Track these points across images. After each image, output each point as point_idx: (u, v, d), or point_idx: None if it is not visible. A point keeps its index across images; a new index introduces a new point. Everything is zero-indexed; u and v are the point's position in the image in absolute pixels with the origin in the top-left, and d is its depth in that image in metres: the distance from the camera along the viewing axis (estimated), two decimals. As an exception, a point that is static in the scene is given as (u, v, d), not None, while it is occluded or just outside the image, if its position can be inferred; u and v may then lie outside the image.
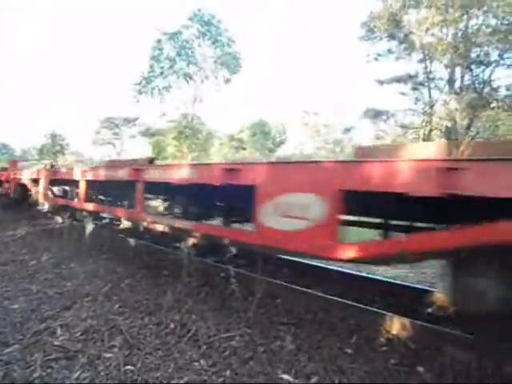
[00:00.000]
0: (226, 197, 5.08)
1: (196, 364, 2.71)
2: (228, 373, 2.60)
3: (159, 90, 30.62)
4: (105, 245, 6.14)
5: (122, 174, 5.24)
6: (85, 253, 5.78)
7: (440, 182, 2.34)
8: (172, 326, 3.28)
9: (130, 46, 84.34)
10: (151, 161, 5.05)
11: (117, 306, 3.75)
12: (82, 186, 6.45)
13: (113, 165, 6.00)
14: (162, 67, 30.43)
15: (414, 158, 2.52)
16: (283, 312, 3.63)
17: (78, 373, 2.56)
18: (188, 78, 30.85)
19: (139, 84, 30.60)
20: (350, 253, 2.75)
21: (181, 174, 4.23)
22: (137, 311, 3.62)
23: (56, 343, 2.96)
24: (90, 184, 6.47)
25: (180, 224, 4.42)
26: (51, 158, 36.94)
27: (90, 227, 6.72)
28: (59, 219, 8.56)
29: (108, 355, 2.80)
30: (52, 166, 8.76)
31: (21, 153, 57.18)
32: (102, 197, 7.65)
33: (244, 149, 43.88)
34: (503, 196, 2.12)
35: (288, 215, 3.07)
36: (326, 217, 2.84)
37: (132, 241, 6.20)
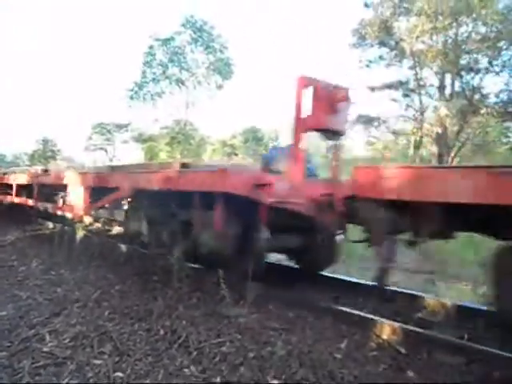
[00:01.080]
0: None
1: (186, 370, 2.69)
2: (218, 379, 2.59)
3: (152, 95, 30.68)
4: (95, 251, 6.11)
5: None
6: (75, 259, 5.74)
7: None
8: (162, 332, 3.26)
9: (123, 51, 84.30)
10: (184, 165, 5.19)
11: (107, 312, 3.72)
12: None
13: None
14: (154, 73, 30.50)
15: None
16: (274, 317, 3.63)
17: (67, 380, 2.53)
18: (180, 84, 30.92)
19: (131, 90, 30.61)
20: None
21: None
22: (127, 317, 3.59)
23: (45, 349, 2.93)
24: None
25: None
26: (42, 163, 36.72)
27: (80, 233, 6.68)
28: (50, 224, 8.50)
29: (97, 362, 2.78)
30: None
31: (12, 158, 56.74)
32: None
33: (236, 154, 43.94)
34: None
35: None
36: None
37: (123, 246, 6.17)
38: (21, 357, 2.82)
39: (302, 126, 3.98)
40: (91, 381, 2.54)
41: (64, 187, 7.57)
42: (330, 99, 4.04)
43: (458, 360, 2.83)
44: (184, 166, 5.12)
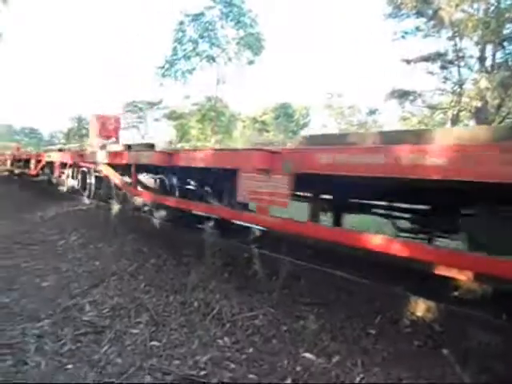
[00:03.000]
0: None
1: (220, 341, 2.75)
2: (251, 350, 2.63)
3: (182, 72, 30.70)
4: (131, 225, 6.26)
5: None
6: (111, 233, 5.91)
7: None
8: (196, 304, 3.33)
9: (153, 28, 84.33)
10: None
11: (143, 284, 3.83)
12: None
13: None
14: (185, 50, 30.41)
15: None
16: (306, 293, 3.64)
17: (106, 347, 2.64)
18: (211, 60, 30.73)
19: (163, 67, 30.70)
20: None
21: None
22: (162, 290, 3.69)
23: (85, 318, 3.06)
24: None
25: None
26: (77, 141, 37.64)
27: (115, 208, 6.85)
28: (86, 200, 8.76)
29: (135, 331, 2.88)
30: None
31: (48, 137, 58.48)
32: None
33: (267, 131, 43.69)
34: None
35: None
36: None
37: (157, 221, 6.30)
38: (62, 325, 2.95)
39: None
40: (129, 348, 2.64)
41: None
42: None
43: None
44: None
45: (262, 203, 3.40)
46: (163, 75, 30.58)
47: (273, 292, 3.56)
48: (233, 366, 2.47)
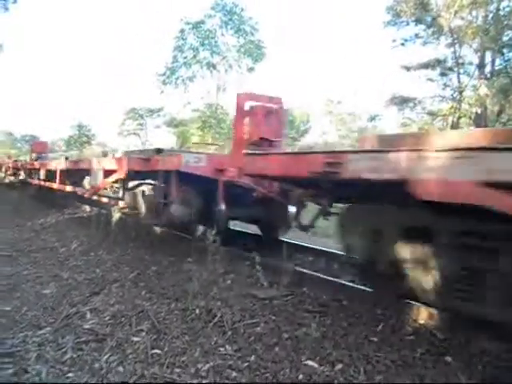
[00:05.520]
0: None
1: (221, 349, 2.74)
2: (253, 358, 2.62)
3: (183, 80, 30.77)
4: (131, 233, 6.25)
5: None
6: (112, 240, 5.90)
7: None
8: (198, 311, 3.31)
9: (154, 36, 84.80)
10: None
11: (144, 292, 3.82)
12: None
13: None
14: (185, 57, 30.52)
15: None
16: (308, 300, 3.62)
17: (108, 355, 2.63)
18: (212, 68, 30.84)
19: (163, 74, 30.79)
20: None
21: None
22: (163, 297, 3.68)
23: (86, 326, 3.05)
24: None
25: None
26: (78, 149, 37.72)
27: (116, 216, 6.84)
28: (87, 208, 8.76)
29: (136, 339, 2.86)
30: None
31: (49, 144, 58.49)
32: None
33: (267, 138, 43.67)
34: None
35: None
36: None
37: (157, 229, 6.29)
38: (64, 333, 2.94)
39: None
40: (130, 356, 2.62)
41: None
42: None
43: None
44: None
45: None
46: (164, 82, 30.66)
47: (274, 299, 3.54)
48: (235, 374, 2.46)
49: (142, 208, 6.01)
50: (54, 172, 9.57)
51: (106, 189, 8.18)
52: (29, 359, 2.55)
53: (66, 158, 10.19)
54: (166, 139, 42.32)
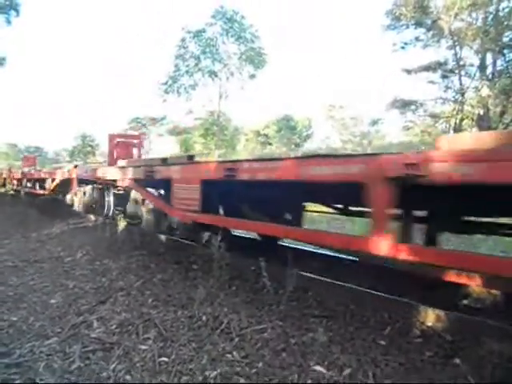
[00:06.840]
0: None
1: (229, 356, 2.73)
2: (260, 364, 2.61)
3: (185, 88, 30.98)
4: (136, 241, 6.26)
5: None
6: (118, 249, 5.91)
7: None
8: (204, 318, 3.31)
9: (155, 45, 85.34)
10: None
11: (150, 300, 3.82)
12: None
13: None
14: (187, 66, 30.74)
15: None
16: (315, 305, 3.61)
17: (115, 364, 2.63)
18: (213, 76, 31.02)
19: (165, 83, 31.01)
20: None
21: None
22: (170, 305, 3.67)
23: (93, 335, 3.05)
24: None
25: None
26: (82, 159, 37.90)
27: (122, 224, 6.86)
28: (92, 217, 8.78)
29: (143, 347, 2.86)
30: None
31: (53, 155, 58.88)
32: None
33: (270, 144, 43.81)
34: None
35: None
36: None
37: (163, 237, 6.30)
38: (71, 342, 2.94)
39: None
40: (138, 365, 2.62)
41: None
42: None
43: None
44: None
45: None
46: (166, 91, 30.89)
47: (281, 305, 3.54)
48: (242, 380, 2.45)
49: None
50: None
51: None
52: (37, 369, 2.55)
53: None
54: (169, 147, 42.49)
